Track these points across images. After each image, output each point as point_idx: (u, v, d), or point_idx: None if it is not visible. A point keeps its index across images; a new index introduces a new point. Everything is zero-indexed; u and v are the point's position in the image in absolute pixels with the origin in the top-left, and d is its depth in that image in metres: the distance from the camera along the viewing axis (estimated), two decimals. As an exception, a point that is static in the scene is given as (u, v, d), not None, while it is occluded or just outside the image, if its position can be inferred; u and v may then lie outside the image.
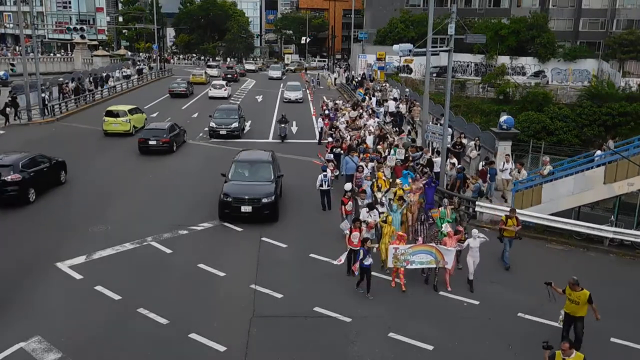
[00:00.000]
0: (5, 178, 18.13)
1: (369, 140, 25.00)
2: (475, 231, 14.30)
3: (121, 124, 30.95)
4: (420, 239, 14.85)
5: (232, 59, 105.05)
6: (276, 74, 69.78)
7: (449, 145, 21.79)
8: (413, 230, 15.95)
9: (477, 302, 13.32)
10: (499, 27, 63.24)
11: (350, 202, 16.67)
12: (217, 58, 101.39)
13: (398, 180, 18.28)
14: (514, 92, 52.80)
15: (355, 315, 12.43)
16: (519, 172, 19.67)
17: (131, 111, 32.12)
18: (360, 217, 15.07)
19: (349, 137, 25.17)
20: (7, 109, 33.23)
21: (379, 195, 17.21)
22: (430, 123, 24.73)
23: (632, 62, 60.70)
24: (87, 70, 56.54)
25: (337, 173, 21.51)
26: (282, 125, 30.74)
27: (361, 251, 13.12)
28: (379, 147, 23.59)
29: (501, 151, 20.78)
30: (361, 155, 21.52)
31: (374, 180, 18.79)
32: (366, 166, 20.00)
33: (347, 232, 14.47)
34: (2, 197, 18.21)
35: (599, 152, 20.23)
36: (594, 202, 20.39)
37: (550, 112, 46.26)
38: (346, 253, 13.85)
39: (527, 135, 39.01)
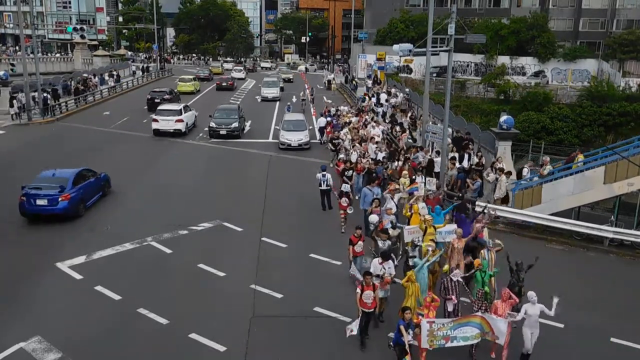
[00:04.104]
0: (164, 97, 39.48)
1: (378, 156, 21.55)
2: (531, 294, 10.66)
3: (189, 86, 49.50)
4: (453, 297, 11.39)
5: (246, 59, 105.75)
6: (271, 93, 47.60)
7: (465, 166, 20.18)
8: (443, 287, 11.70)
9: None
10: (499, 27, 63.17)
11: (360, 242, 13.41)
12: (218, 58, 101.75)
13: (428, 216, 14.26)
14: (514, 92, 52.79)
15: (356, 315, 12.40)
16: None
17: (193, 79, 52.63)
18: (372, 270, 11.80)
19: (355, 154, 21.49)
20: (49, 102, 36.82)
21: (393, 232, 13.89)
22: (431, 123, 24.70)
23: (632, 62, 60.60)
24: (87, 70, 56.76)
25: (352, 210, 17.03)
26: None
27: (401, 326, 10.01)
28: (393, 164, 19.91)
29: (501, 151, 20.78)
30: (388, 187, 17.30)
31: (393, 221, 14.83)
32: (392, 198, 16.27)
33: (358, 277, 12.04)
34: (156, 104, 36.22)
35: None
36: (594, 202, 20.37)
37: (550, 112, 46.28)
38: (358, 320, 10.99)
39: (527, 135, 39.03)
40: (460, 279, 11.53)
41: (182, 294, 13.25)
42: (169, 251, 15.60)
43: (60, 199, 17.34)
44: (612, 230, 17.28)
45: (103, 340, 11.27)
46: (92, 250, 15.38)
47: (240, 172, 24.35)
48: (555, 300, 10.46)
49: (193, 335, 11.40)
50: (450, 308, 11.41)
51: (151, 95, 39.81)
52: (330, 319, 12.29)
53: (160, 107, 32.34)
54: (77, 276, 13.91)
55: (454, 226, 14.00)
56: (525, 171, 20.10)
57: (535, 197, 18.98)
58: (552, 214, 18.34)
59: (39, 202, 17.23)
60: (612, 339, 11.99)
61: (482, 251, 12.67)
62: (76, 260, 14.73)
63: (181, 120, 31.00)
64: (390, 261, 12.20)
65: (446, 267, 12.42)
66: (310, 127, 31.80)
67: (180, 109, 31.69)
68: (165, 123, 30.65)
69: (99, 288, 13.25)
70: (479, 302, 10.92)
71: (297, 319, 12.33)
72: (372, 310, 11.16)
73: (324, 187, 19.10)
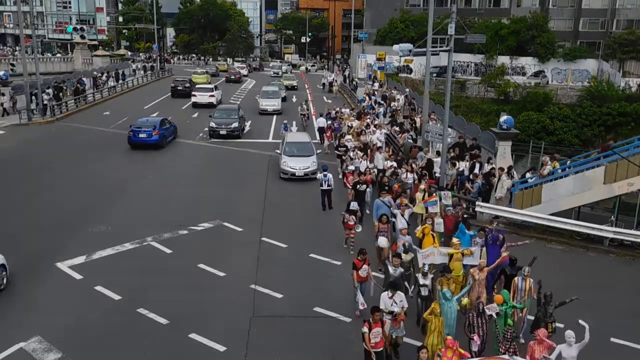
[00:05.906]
0: (185, 85, 47.70)
1: (381, 164, 20.56)
2: (569, 334, 9.42)
3: (202, 78, 55.77)
4: (476, 337, 9.99)
5: (251, 59, 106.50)
6: (271, 105, 40.17)
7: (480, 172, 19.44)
8: (467, 323, 10.30)
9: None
10: (499, 27, 63.17)
11: (365, 266, 12.17)
12: (219, 58, 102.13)
13: (455, 240, 12.96)
14: (514, 92, 52.79)
15: (356, 315, 12.42)
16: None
17: (207, 72, 61.73)
18: (381, 306, 10.40)
19: (365, 163, 20.54)
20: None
21: (406, 257, 12.46)
22: (431, 123, 24.69)
23: (632, 62, 60.57)
24: (88, 71, 56.83)
25: (360, 229, 15.70)
26: None
27: None
28: (403, 175, 18.65)
29: (501, 151, 20.76)
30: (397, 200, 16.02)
31: (407, 243, 13.17)
32: (402, 214, 14.87)
33: (361, 307, 11.20)
34: (179, 91, 47.17)
35: None
36: (594, 202, 20.35)
37: (550, 112, 46.32)
38: None
39: (527, 135, 39.02)
40: (494, 315, 10.17)
41: (182, 294, 13.25)
42: (169, 251, 15.59)
43: (154, 134, 27.34)
44: (612, 230, 17.26)
45: (103, 340, 11.26)
46: (92, 250, 15.38)
47: (240, 172, 24.34)
48: (586, 327, 9.55)
49: (193, 335, 11.40)
50: (475, 348, 10.00)
51: (174, 84, 48.88)
52: (330, 319, 12.29)
53: (197, 86, 45.31)
54: (77, 276, 13.91)
55: (475, 248, 13.12)
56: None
57: (535, 197, 18.96)
58: (552, 214, 18.33)
59: (141, 135, 27.34)
60: (612, 339, 11.99)
61: (515, 278, 11.63)
62: (76, 260, 14.72)
63: (213, 96, 41.99)
64: (401, 293, 10.70)
65: (466, 300, 11.15)
66: (319, 152, 25.25)
67: (212, 88, 43.77)
68: (202, 97, 41.70)
69: (99, 288, 13.25)
70: (506, 343, 9.57)
71: (297, 319, 12.33)
72: (381, 349, 9.82)
73: (325, 187, 19.09)
